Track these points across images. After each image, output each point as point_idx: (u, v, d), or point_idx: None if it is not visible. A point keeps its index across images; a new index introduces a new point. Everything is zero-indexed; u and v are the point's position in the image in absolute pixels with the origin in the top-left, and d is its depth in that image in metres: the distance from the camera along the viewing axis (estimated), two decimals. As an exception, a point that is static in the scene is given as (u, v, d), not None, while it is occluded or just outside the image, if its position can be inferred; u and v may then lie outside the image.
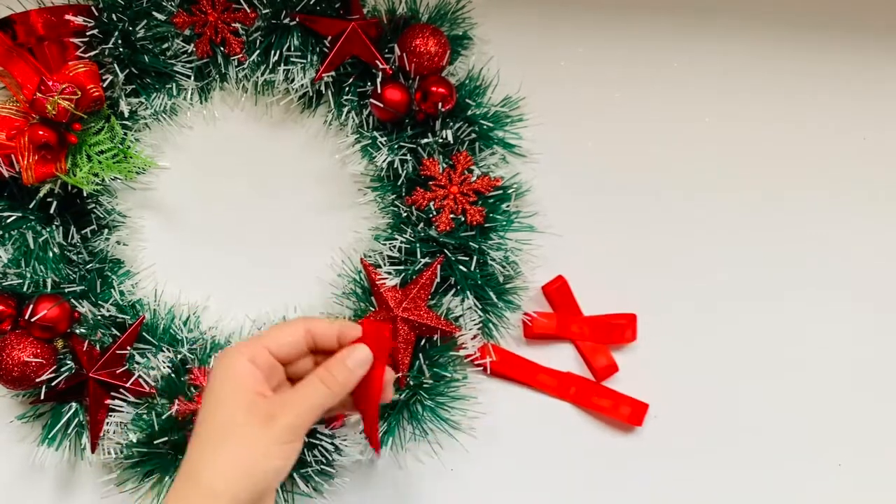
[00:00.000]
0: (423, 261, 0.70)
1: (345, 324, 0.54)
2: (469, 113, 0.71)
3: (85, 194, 0.70)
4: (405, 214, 0.71)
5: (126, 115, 0.70)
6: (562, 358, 0.74)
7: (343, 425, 0.69)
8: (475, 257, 0.69)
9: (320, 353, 0.54)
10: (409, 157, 0.71)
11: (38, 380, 0.66)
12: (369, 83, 0.71)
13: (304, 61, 0.71)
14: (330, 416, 0.57)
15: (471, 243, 0.69)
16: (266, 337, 0.53)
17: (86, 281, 0.69)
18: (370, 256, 0.71)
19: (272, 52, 0.71)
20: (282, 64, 0.71)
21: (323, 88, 0.72)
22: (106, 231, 0.71)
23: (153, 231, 0.73)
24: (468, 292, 0.70)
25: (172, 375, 0.68)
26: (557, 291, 0.73)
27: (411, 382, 0.69)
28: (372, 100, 0.70)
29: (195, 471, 0.48)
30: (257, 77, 0.72)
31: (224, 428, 0.49)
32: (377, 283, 0.69)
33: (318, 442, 0.67)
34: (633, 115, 0.75)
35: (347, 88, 0.71)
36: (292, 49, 0.71)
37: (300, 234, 0.74)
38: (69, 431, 0.68)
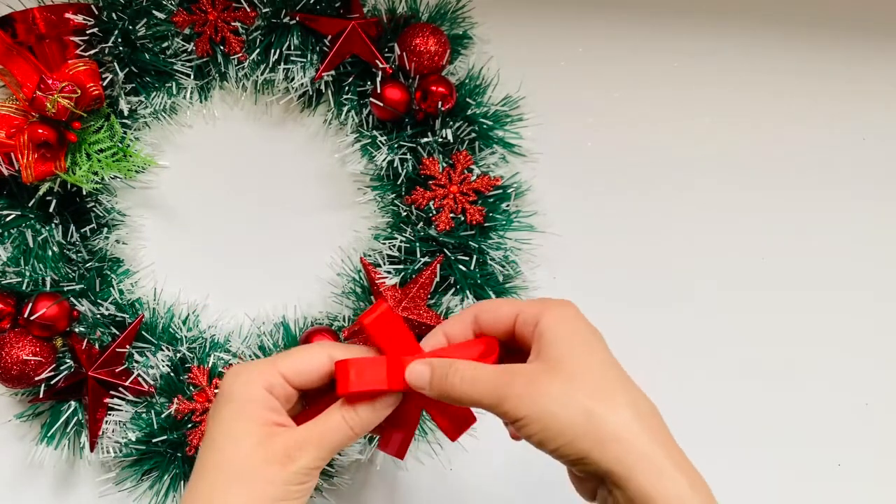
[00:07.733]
0: (423, 260, 0.70)
1: (366, 351, 0.51)
2: (469, 112, 0.71)
3: (84, 193, 0.70)
4: (405, 214, 0.71)
5: (126, 113, 0.70)
6: (561, 357, 0.74)
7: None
8: (475, 257, 0.69)
9: None
10: (408, 157, 0.70)
11: (37, 378, 0.66)
12: (369, 82, 0.71)
13: (304, 60, 0.71)
14: None
15: (470, 243, 0.69)
16: (284, 362, 0.49)
17: (85, 279, 0.69)
18: (370, 255, 0.71)
19: (272, 51, 0.71)
20: (282, 63, 0.71)
21: (323, 87, 0.72)
22: (105, 230, 0.71)
23: (152, 230, 0.73)
24: (468, 291, 0.70)
25: (171, 374, 0.68)
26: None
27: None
28: (372, 99, 0.70)
29: None
30: (257, 76, 0.72)
31: (236, 465, 0.46)
32: (377, 282, 0.69)
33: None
34: (633, 115, 0.75)
35: (347, 87, 0.71)
36: (292, 48, 0.71)
37: (300, 233, 0.74)
38: (68, 430, 0.68)
